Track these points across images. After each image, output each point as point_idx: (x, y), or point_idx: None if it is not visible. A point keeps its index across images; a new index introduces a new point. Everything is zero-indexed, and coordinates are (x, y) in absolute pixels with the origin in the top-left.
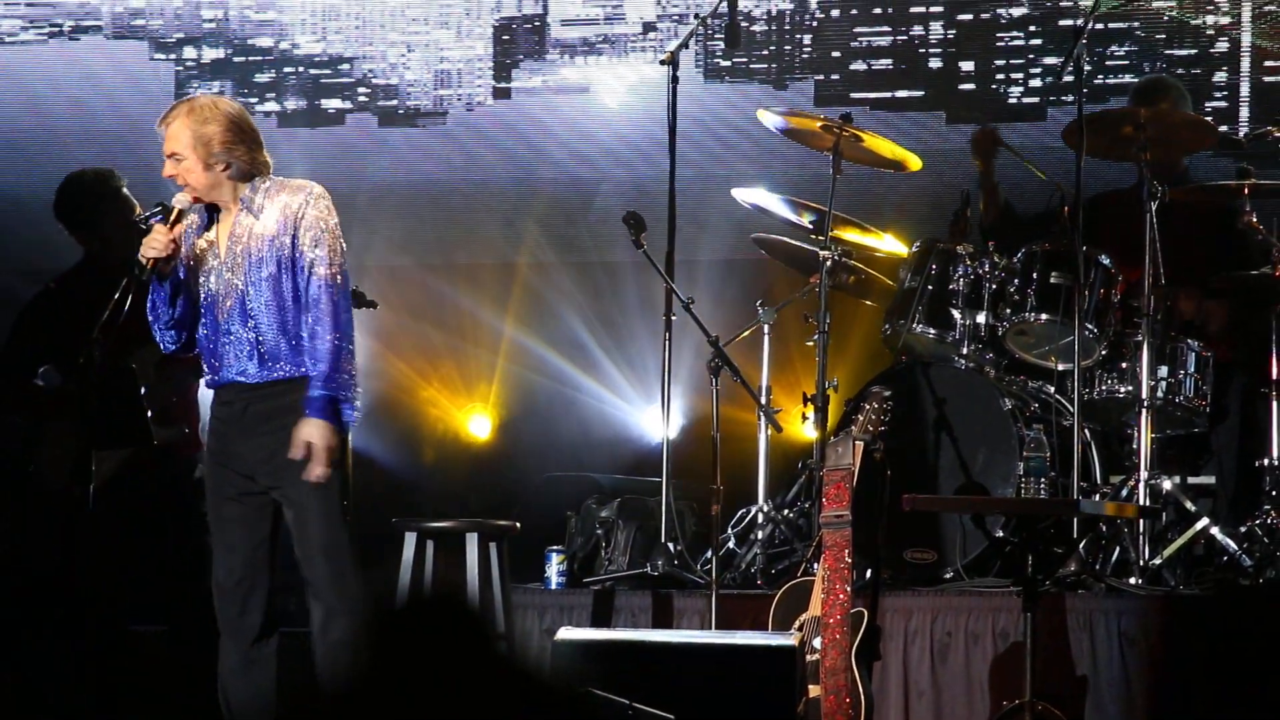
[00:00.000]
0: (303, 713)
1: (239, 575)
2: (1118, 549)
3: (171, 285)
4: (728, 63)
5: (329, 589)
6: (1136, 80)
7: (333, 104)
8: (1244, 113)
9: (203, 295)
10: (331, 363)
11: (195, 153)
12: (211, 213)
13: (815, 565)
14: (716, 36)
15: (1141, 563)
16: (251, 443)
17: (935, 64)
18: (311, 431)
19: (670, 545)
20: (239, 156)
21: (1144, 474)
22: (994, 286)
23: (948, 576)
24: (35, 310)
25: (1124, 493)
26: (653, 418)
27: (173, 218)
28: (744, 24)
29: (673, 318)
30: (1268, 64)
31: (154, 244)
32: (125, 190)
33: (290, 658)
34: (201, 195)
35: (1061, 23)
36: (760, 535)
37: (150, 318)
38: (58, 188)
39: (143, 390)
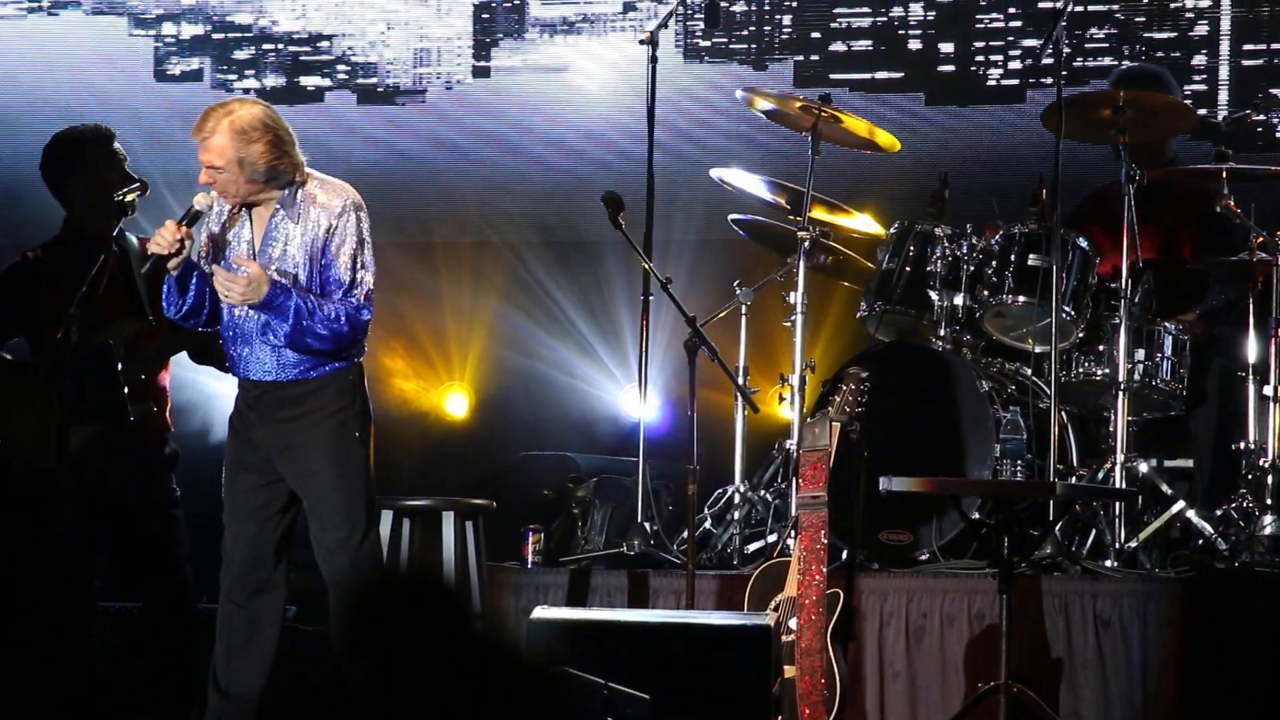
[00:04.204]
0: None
1: (248, 549)
2: (1094, 531)
3: (180, 278)
4: (707, 43)
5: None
6: (1126, 66)
7: (312, 81)
8: (1223, 96)
9: None
10: (314, 334)
11: (239, 170)
12: (243, 206)
13: (791, 546)
14: (696, 16)
15: (1117, 545)
16: (269, 429)
17: (915, 45)
18: (258, 274)
19: (646, 525)
20: (282, 169)
21: (1120, 457)
22: (972, 268)
23: (923, 558)
24: (14, 279)
25: (1100, 476)
26: (630, 397)
27: (188, 218)
28: (723, 4)
29: (650, 297)
30: (1246, 47)
31: (160, 240)
32: (118, 145)
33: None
34: (235, 201)
35: (1041, 5)
36: (736, 515)
37: (164, 304)
38: (51, 140)
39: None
